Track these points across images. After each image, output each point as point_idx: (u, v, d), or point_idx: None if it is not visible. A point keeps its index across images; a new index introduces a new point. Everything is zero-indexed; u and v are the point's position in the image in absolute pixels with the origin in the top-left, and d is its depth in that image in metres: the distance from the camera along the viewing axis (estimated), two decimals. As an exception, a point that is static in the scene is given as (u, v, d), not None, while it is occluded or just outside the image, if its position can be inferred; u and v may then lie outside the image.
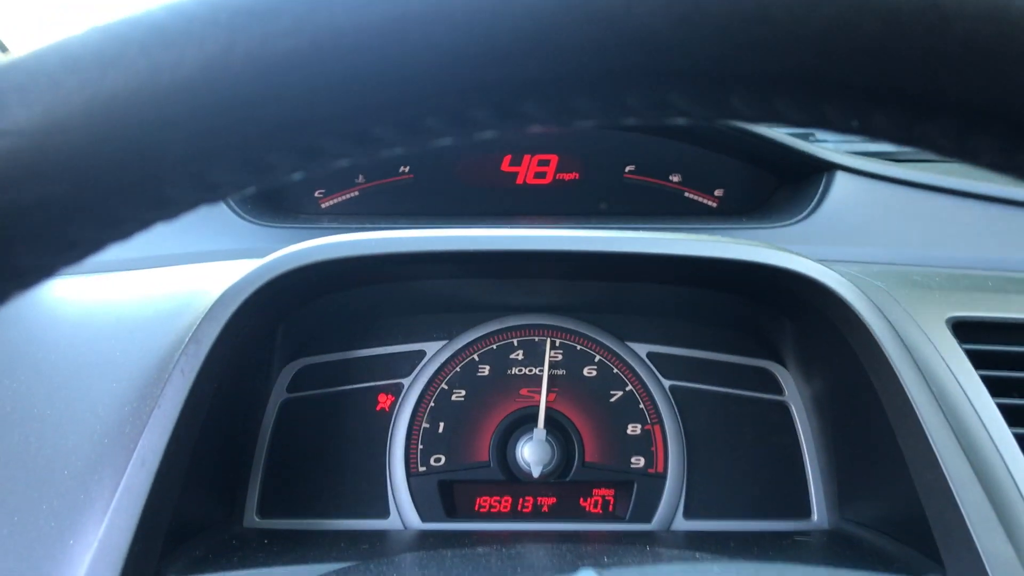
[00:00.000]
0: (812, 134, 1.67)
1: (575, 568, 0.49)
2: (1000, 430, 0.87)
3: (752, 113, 0.32)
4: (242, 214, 1.31)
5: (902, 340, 0.90)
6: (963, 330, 0.97)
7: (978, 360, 0.94)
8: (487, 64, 0.30)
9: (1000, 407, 0.90)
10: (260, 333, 1.03)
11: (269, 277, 0.90)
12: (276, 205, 1.44)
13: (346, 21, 0.29)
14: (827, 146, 1.43)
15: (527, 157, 1.47)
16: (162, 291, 1.03)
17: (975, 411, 0.89)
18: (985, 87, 0.29)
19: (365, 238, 0.93)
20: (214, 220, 1.31)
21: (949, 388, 0.90)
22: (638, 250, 0.92)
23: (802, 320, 1.06)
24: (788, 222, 1.34)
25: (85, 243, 0.34)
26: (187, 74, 0.29)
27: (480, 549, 0.80)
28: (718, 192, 1.47)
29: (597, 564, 0.48)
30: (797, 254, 0.95)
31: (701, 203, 1.46)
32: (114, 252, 1.14)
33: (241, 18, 0.29)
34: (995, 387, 0.91)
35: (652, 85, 0.31)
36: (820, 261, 1.23)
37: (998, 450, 0.85)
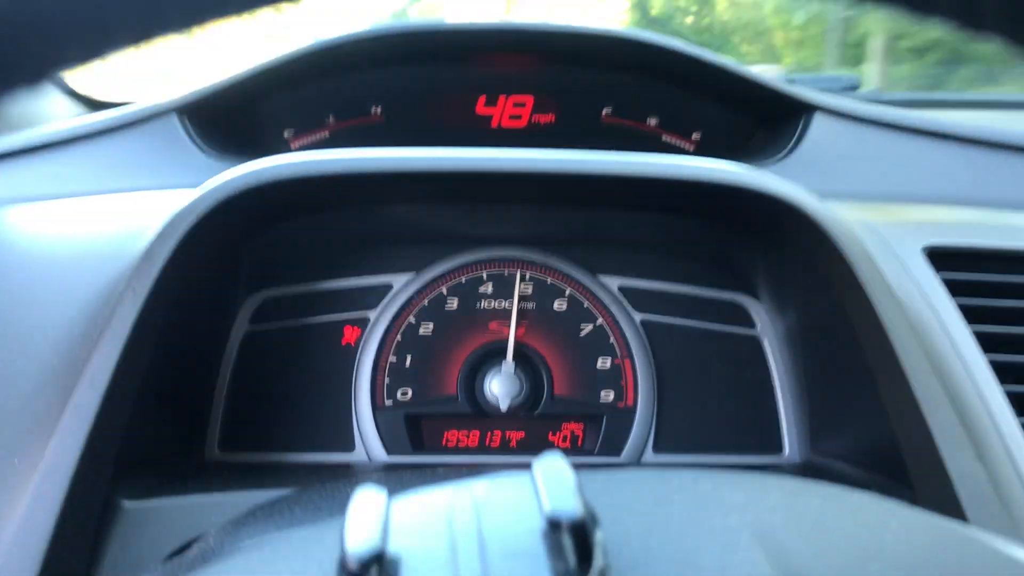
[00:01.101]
0: (792, 79, 1.64)
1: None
2: (973, 355, 0.87)
3: None
4: (207, 150, 1.28)
5: (877, 266, 0.89)
6: (939, 259, 0.96)
7: (954, 288, 0.92)
8: None
9: (975, 334, 0.88)
10: (219, 258, 1.00)
11: (225, 193, 0.86)
12: (244, 146, 1.40)
13: None
14: (805, 88, 1.41)
15: (502, 98, 1.44)
16: (117, 217, 1.00)
17: (949, 337, 0.87)
18: None
19: (328, 157, 0.90)
20: (178, 155, 1.27)
21: (924, 314, 0.88)
22: (611, 171, 0.90)
23: (776, 248, 1.03)
24: (766, 163, 1.32)
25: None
26: None
27: (441, 470, 0.78)
28: (695, 135, 1.44)
29: None
30: (775, 176, 0.92)
31: (679, 146, 1.44)
32: (71, 184, 1.10)
33: None
34: (970, 315, 0.90)
35: None
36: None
37: (971, 375, 0.84)
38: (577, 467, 1.02)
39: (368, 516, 0.40)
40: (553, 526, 0.38)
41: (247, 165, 0.89)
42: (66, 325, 0.85)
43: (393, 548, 0.39)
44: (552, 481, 0.42)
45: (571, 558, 0.37)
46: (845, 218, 0.93)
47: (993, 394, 0.84)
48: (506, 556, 0.39)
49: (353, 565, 0.37)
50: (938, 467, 0.77)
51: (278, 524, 0.64)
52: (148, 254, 0.85)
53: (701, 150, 1.45)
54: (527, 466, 1.00)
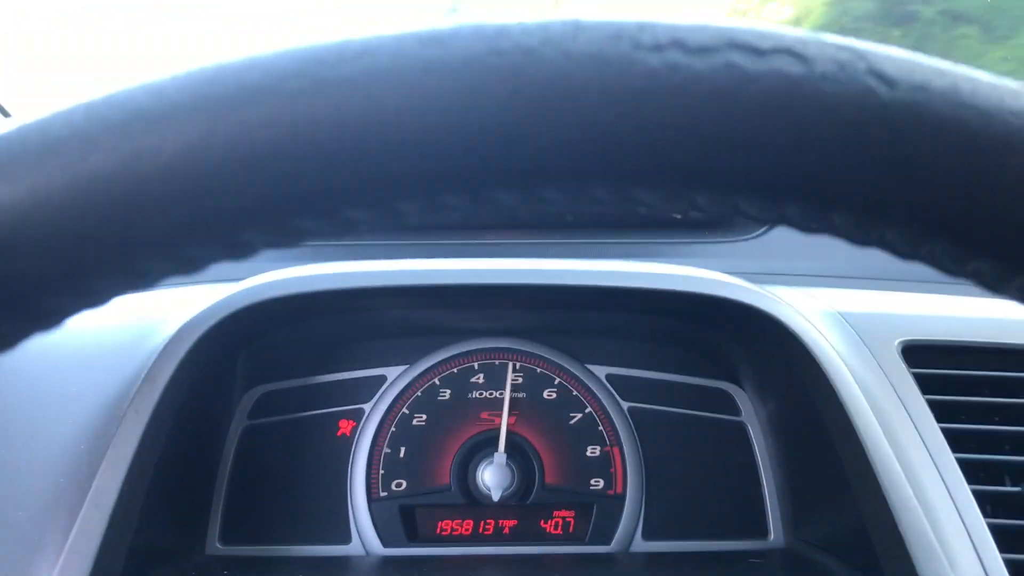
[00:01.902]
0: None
1: None
2: (944, 456, 0.89)
3: (715, 207, 0.34)
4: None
5: (847, 367, 0.92)
6: (913, 354, 0.98)
7: (926, 384, 0.95)
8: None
9: (944, 432, 0.91)
10: (218, 364, 1.03)
11: (224, 314, 0.90)
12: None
13: (323, 113, 0.30)
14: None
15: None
16: (117, 321, 1.03)
17: (920, 437, 0.90)
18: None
19: (321, 273, 0.94)
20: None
21: (894, 414, 0.91)
22: (582, 283, 0.94)
23: (754, 344, 1.07)
24: (750, 235, 1.35)
25: (60, 311, 0.35)
26: (167, 160, 0.30)
27: (437, 575, 0.81)
28: (682, 205, 1.47)
29: None
30: (743, 282, 0.96)
31: (665, 215, 1.47)
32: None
33: (222, 107, 0.30)
34: (941, 412, 0.93)
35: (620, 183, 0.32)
36: (779, 274, 1.24)
37: (941, 476, 0.87)
38: (569, 559, 1.05)
39: None
40: None
41: (244, 284, 0.93)
42: (70, 442, 0.88)
43: None
44: None
45: None
46: (815, 314, 0.96)
47: (963, 495, 0.87)
48: None
49: None
50: (910, 573, 0.80)
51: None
52: (151, 375, 0.88)
53: (688, 217, 1.48)
54: (522, 559, 1.02)
